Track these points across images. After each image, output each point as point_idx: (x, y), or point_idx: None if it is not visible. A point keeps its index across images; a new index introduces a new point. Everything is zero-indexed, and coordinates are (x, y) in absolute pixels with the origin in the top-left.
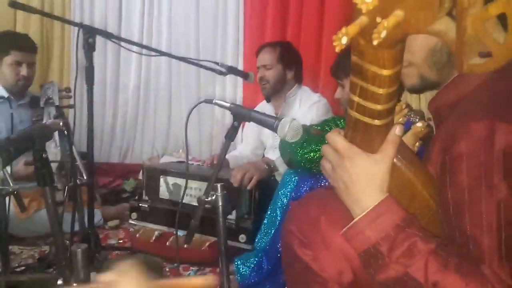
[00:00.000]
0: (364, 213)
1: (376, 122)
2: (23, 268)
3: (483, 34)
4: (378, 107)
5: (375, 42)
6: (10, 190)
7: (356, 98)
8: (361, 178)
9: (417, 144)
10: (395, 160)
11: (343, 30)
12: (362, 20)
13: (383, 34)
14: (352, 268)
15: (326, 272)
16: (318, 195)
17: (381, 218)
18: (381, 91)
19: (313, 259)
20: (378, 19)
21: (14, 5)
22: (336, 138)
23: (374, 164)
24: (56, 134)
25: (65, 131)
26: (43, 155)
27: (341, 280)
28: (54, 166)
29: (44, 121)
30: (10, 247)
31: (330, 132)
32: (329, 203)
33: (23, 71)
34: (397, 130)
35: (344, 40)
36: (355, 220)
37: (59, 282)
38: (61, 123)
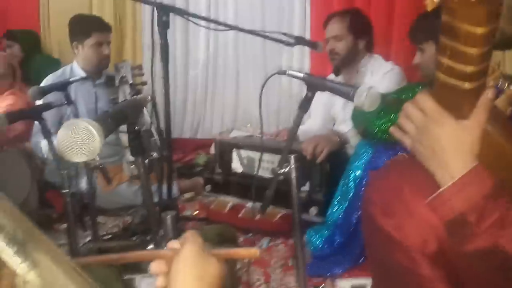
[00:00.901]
0: (452, 182)
1: (467, 85)
2: (109, 236)
3: None
4: (470, 68)
5: None
6: (97, 164)
7: (445, 60)
8: (450, 145)
9: (509, 109)
10: (487, 126)
11: None
12: None
13: None
14: (437, 237)
15: (409, 241)
16: (398, 163)
17: (470, 186)
18: (474, 51)
19: (396, 228)
20: None
21: None
22: (426, 98)
23: (464, 130)
24: None
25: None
26: (136, 127)
27: (425, 249)
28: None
29: (119, 99)
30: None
31: (420, 92)
32: (411, 171)
33: (106, 50)
34: (489, 93)
35: None
36: (442, 188)
37: (151, 247)
38: (149, 97)
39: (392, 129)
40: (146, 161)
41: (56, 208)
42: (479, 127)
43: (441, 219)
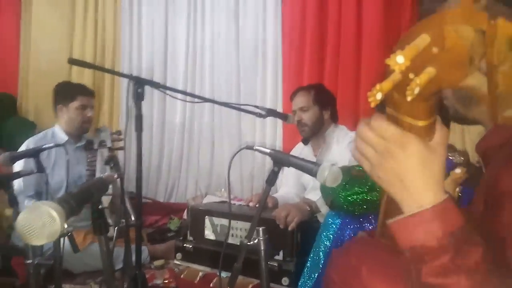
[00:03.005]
0: (431, 205)
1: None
2: None
3: None
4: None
5: (409, 99)
6: (65, 232)
7: None
8: (417, 168)
9: (457, 189)
10: None
11: (378, 86)
12: (396, 76)
13: (416, 90)
14: None
15: None
16: (359, 242)
17: (450, 214)
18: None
19: None
20: (411, 75)
21: (73, 62)
22: (383, 124)
23: (431, 152)
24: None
25: (119, 180)
26: (99, 206)
27: None
28: (107, 200)
29: (97, 161)
30: (63, 285)
31: (376, 118)
32: (370, 252)
33: (89, 113)
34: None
35: (379, 96)
36: (406, 215)
37: None
38: (115, 175)
39: (352, 151)
40: (116, 228)
41: (19, 276)
42: (444, 149)
43: (411, 242)
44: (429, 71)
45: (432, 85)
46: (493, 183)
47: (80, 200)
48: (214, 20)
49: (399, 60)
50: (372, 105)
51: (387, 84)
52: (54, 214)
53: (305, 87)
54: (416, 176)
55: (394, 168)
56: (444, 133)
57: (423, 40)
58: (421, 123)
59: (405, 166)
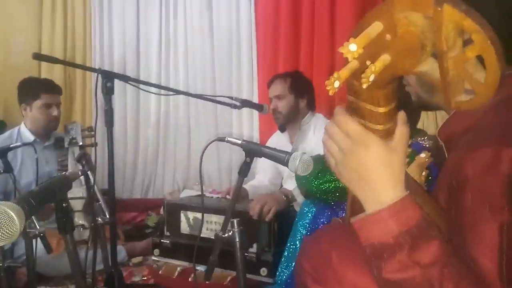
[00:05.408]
0: (389, 204)
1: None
2: None
3: (464, 75)
4: (379, 127)
5: (364, 86)
6: (37, 232)
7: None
8: (377, 168)
9: (423, 173)
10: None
11: (335, 74)
12: (353, 63)
13: (371, 78)
14: None
15: None
16: (329, 229)
17: (406, 212)
18: (379, 127)
19: None
20: (368, 62)
21: (38, 57)
22: (348, 121)
23: (391, 152)
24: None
25: (86, 177)
26: (64, 204)
27: None
28: (81, 203)
29: (69, 161)
30: (38, 287)
31: (339, 113)
32: (340, 238)
33: (54, 112)
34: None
35: (337, 84)
36: (379, 208)
37: None
38: (79, 172)
39: (323, 147)
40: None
41: None
42: (404, 147)
43: (369, 240)
44: (384, 58)
45: (387, 72)
46: (456, 169)
47: (41, 199)
48: (187, 10)
49: (352, 48)
50: (330, 93)
51: (344, 72)
52: (12, 214)
53: (281, 75)
54: (376, 175)
55: (355, 167)
56: (404, 130)
57: (375, 27)
58: (381, 110)
59: (366, 166)
